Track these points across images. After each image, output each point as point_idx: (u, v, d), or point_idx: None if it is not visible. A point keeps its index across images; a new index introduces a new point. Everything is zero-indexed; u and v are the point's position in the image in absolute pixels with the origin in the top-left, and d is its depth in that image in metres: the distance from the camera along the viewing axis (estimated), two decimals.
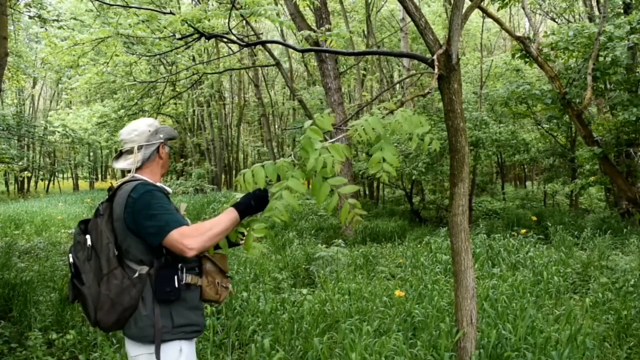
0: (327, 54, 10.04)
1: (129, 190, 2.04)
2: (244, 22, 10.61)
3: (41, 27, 11.19)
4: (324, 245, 7.97)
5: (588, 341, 3.55)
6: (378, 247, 8.62)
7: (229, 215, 2.02)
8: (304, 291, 5.15)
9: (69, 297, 2.08)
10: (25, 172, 28.11)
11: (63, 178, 40.07)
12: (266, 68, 21.73)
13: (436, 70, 2.84)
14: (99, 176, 43.66)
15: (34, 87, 30.84)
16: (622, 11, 10.65)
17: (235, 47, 12.98)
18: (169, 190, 2.24)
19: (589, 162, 11.10)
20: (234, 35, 4.49)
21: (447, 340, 3.41)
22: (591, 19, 12.70)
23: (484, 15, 10.54)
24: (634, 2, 10.36)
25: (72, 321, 4.46)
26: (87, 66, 11.68)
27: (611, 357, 3.85)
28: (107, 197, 2.15)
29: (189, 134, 24.95)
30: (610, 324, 4.28)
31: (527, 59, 9.49)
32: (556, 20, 16.89)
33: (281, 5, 13.53)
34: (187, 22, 5.49)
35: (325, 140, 2.00)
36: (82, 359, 3.74)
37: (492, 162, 18.37)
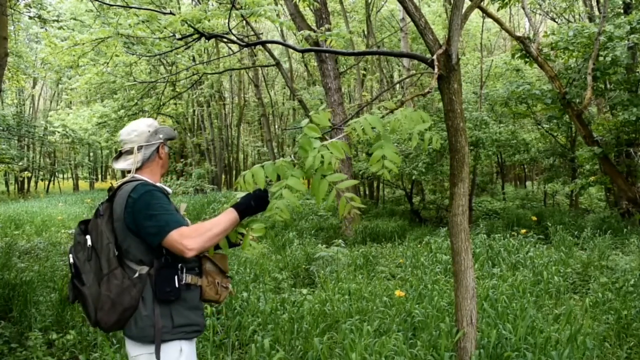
0: (327, 54, 10.05)
1: (129, 191, 2.04)
2: (244, 22, 10.62)
3: (41, 28, 11.20)
4: (324, 245, 7.97)
5: (588, 341, 3.55)
6: (378, 247, 8.62)
7: (228, 216, 2.02)
8: (304, 291, 5.15)
9: (69, 298, 2.09)
10: (26, 173, 28.12)
11: (63, 178, 40.08)
12: (266, 68, 21.73)
13: (436, 70, 2.84)
14: (99, 176, 43.67)
15: (34, 87, 30.84)
16: (622, 11, 10.65)
17: (235, 47, 12.99)
18: (169, 190, 2.24)
19: (589, 162, 11.10)
20: (234, 35, 4.49)
21: (447, 340, 3.41)
22: (591, 19, 12.70)
23: (484, 15, 10.54)
24: (634, 2, 10.36)
25: (72, 321, 4.46)
26: (87, 66, 11.68)
27: (611, 357, 3.85)
28: (107, 197, 2.15)
29: (189, 134, 24.95)
30: (610, 324, 4.28)
31: (527, 59, 9.49)
32: (556, 20, 16.89)
33: (281, 5, 13.53)
34: (187, 23, 5.49)
35: (325, 140, 2.00)
36: (82, 359, 3.74)
37: (492, 162, 18.37)
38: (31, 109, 32.92)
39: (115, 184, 2.16)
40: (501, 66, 15.13)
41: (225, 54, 19.47)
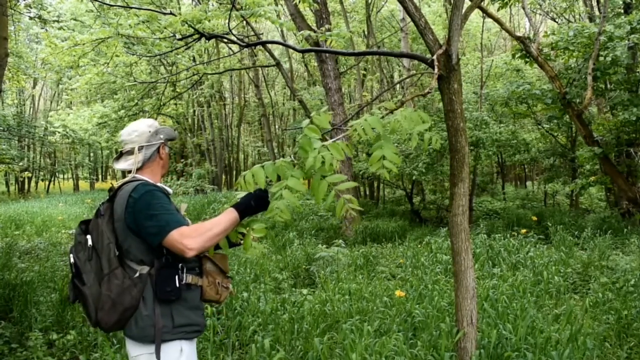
0: (327, 55, 10.05)
1: (129, 191, 2.05)
2: (244, 22, 10.62)
3: (41, 28, 11.20)
4: (324, 246, 7.97)
5: (588, 341, 3.55)
6: (378, 247, 8.62)
7: (228, 216, 2.02)
8: (305, 291, 5.15)
9: (69, 298, 2.09)
10: (26, 173, 28.14)
11: (63, 178, 40.10)
12: (266, 68, 21.74)
13: (436, 70, 2.85)
14: (100, 177, 43.69)
15: (34, 87, 30.87)
16: (622, 11, 10.65)
17: (235, 48, 12.99)
18: (170, 190, 2.25)
19: (589, 162, 11.09)
20: (234, 35, 4.49)
21: (447, 340, 3.41)
22: (591, 19, 12.70)
23: (484, 15, 10.55)
24: (634, 2, 10.36)
25: (73, 321, 4.46)
26: (88, 67, 11.69)
27: (611, 357, 3.85)
28: (107, 197, 2.15)
29: (189, 135, 24.96)
30: (610, 324, 4.28)
31: (527, 59, 9.49)
32: (556, 20, 16.89)
33: (281, 5, 13.54)
34: (187, 23, 5.50)
35: (325, 140, 2.00)
36: (83, 359, 3.74)
37: (492, 162, 18.37)
38: (31, 109, 32.95)
39: (116, 184, 2.16)
40: (501, 66, 15.13)
41: (226, 54, 19.47)
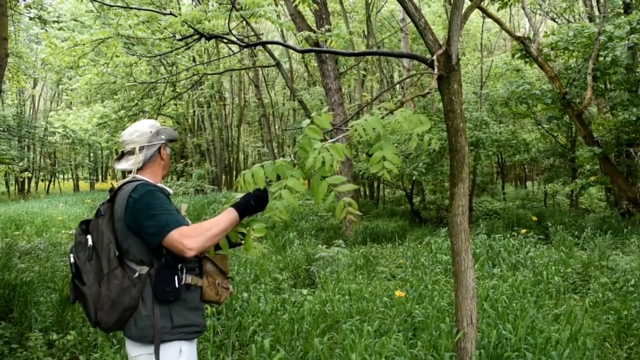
0: (327, 55, 10.05)
1: (129, 191, 2.05)
2: (244, 22, 10.62)
3: (41, 28, 11.20)
4: (324, 246, 7.97)
5: (588, 341, 3.55)
6: (378, 247, 8.62)
7: (228, 216, 2.02)
8: (305, 292, 5.15)
9: (70, 298, 2.09)
10: (26, 173, 28.14)
11: (63, 179, 40.10)
12: (266, 69, 21.74)
13: (436, 70, 2.85)
14: (100, 177, 43.68)
15: (34, 87, 30.88)
16: (622, 11, 10.65)
17: (235, 48, 12.99)
18: (170, 191, 2.25)
19: (589, 162, 11.09)
20: (234, 36, 4.49)
21: (447, 340, 3.41)
22: (591, 19, 12.70)
23: (484, 15, 10.55)
24: (634, 2, 10.36)
25: (73, 322, 4.46)
26: (88, 67, 11.70)
27: (611, 357, 3.85)
28: (108, 197, 2.15)
29: (189, 135, 24.97)
30: (610, 324, 4.28)
31: (527, 59, 9.49)
32: (556, 20, 16.90)
33: (281, 6, 13.54)
34: (187, 23, 5.50)
35: (325, 140, 2.00)
36: (83, 359, 3.74)
37: (492, 162, 18.37)
38: (31, 109, 32.95)
39: (116, 184, 2.16)
40: (501, 66, 15.13)
41: (226, 55, 19.47)
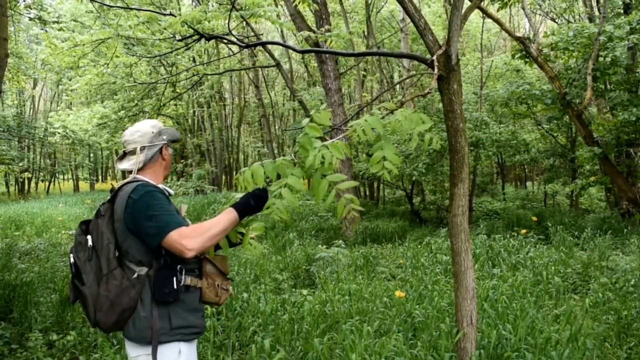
0: (327, 55, 10.05)
1: (129, 192, 2.04)
2: (244, 23, 10.63)
3: (41, 29, 11.20)
4: (324, 246, 7.97)
5: (588, 341, 3.55)
6: (378, 247, 8.61)
7: (228, 216, 2.02)
8: (305, 292, 5.15)
9: (70, 298, 2.09)
10: (26, 173, 28.13)
11: (63, 179, 40.09)
12: (266, 69, 21.74)
13: (436, 70, 2.85)
14: (100, 177, 43.67)
15: (34, 88, 30.87)
16: (622, 11, 10.66)
17: (235, 48, 12.99)
18: (171, 191, 2.24)
19: (589, 162, 11.10)
20: (234, 36, 4.50)
21: (447, 340, 3.41)
22: (591, 19, 12.71)
23: (484, 15, 10.55)
24: (633, 2, 10.37)
25: (73, 322, 4.46)
26: (88, 67, 11.70)
27: (611, 357, 3.85)
28: (108, 197, 2.15)
29: (189, 135, 24.96)
30: (610, 324, 4.28)
31: (527, 60, 9.49)
32: (556, 20, 16.90)
33: (281, 6, 13.54)
34: (187, 24, 5.49)
35: (325, 140, 2.00)
36: None
37: (492, 162, 18.37)
38: (31, 110, 32.95)
39: (117, 184, 2.16)
40: (501, 67, 15.14)
41: (226, 55, 19.47)
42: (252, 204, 2.04)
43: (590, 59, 8.80)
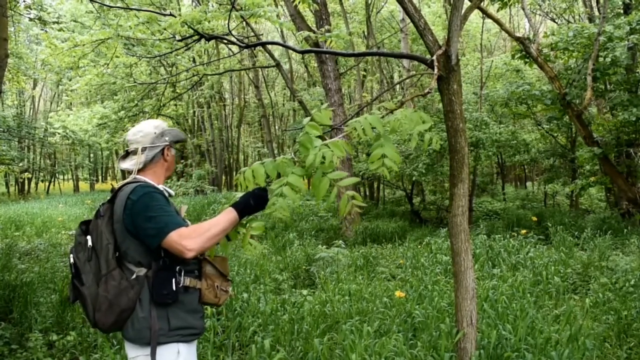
0: (327, 55, 10.05)
1: (128, 192, 2.04)
2: (244, 23, 10.63)
3: (41, 29, 11.20)
4: (324, 246, 7.97)
5: (588, 341, 3.55)
6: (378, 247, 8.61)
7: (227, 215, 2.02)
8: (305, 292, 5.15)
9: (69, 298, 2.09)
10: (26, 174, 28.12)
11: (63, 179, 40.09)
12: (266, 69, 21.74)
13: (436, 71, 2.85)
14: (100, 177, 43.66)
15: (34, 88, 30.87)
16: (621, 11, 10.66)
17: (235, 49, 13.00)
18: (172, 192, 2.23)
19: (589, 162, 11.10)
20: (234, 36, 4.49)
21: (447, 340, 3.41)
22: (591, 20, 12.71)
23: (484, 16, 10.55)
24: (633, 2, 10.37)
25: (73, 322, 4.46)
26: (87, 67, 11.69)
27: (611, 357, 3.85)
28: (108, 198, 2.15)
29: (189, 135, 24.95)
30: (610, 324, 4.28)
31: (527, 60, 9.49)
32: (556, 20, 16.90)
33: (281, 6, 13.55)
34: (187, 24, 5.49)
35: (325, 139, 2.00)
36: None
37: (492, 162, 18.37)
38: (31, 110, 32.95)
39: (117, 184, 2.16)
40: (501, 67, 15.14)
41: (226, 55, 19.47)
42: (251, 204, 2.04)
43: (590, 59, 8.80)
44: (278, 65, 12.27)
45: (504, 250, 7.03)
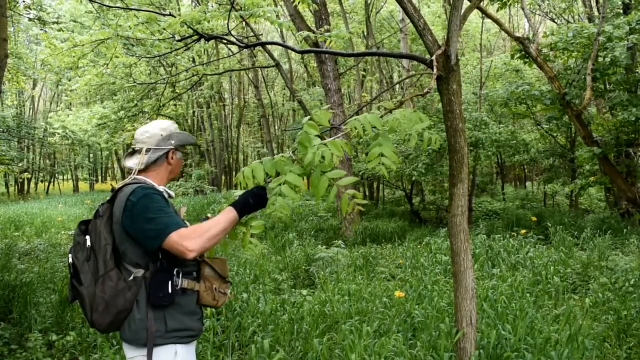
0: (327, 56, 10.05)
1: (128, 194, 2.03)
2: (244, 23, 10.62)
3: (41, 29, 11.21)
4: (324, 247, 7.97)
5: (588, 342, 3.55)
6: (378, 248, 8.61)
7: (227, 215, 2.01)
8: (304, 292, 5.15)
9: (69, 298, 2.09)
10: (26, 174, 28.12)
11: (63, 180, 40.09)
12: (266, 69, 21.75)
13: (435, 71, 2.85)
14: (99, 178, 43.66)
15: (34, 88, 30.87)
16: (621, 12, 10.67)
17: (235, 49, 13.00)
18: (172, 194, 2.22)
19: (589, 162, 11.10)
20: (233, 36, 4.50)
21: (447, 341, 3.41)
22: (591, 20, 12.72)
23: (484, 16, 10.56)
24: (633, 2, 10.38)
25: (73, 323, 4.46)
26: (87, 68, 11.69)
27: (611, 357, 3.85)
28: (108, 198, 2.14)
29: None
30: (610, 324, 4.28)
31: (526, 60, 9.50)
32: (556, 20, 16.91)
33: (281, 6, 13.55)
34: (186, 24, 5.49)
35: (324, 139, 2.00)
36: None
37: (492, 162, 18.37)
38: (31, 110, 32.94)
39: (117, 185, 2.15)
40: (501, 67, 15.15)
41: (225, 55, 19.47)
42: (251, 203, 2.04)
43: (590, 59, 8.80)
44: (278, 65, 12.27)
45: (503, 250, 7.03)
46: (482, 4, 8.50)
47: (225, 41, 5.14)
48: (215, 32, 9.03)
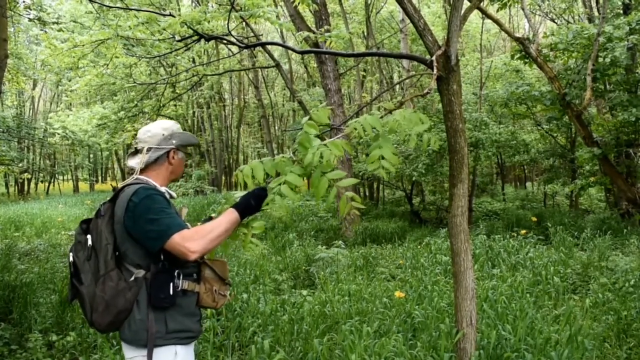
0: (326, 56, 10.05)
1: (130, 194, 2.03)
2: (244, 23, 10.63)
3: (41, 30, 11.21)
4: (324, 247, 7.97)
5: (587, 342, 3.55)
6: (378, 248, 8.62)
7: (229, 217, 2.02)
8: (304, 292, 5.15)
9: (68, 297, 2.08)
10: (25, 174, 28.12)
11: (63, 180, 40.08)
12: (266, 69, 21.76)
13: (435, 71, 2.85)
14: (99, 178, 43.65)
15: (34, 89, 30.87)
16: (621, 12, 10.67)
17: (235, 49, 13.00)
18: (174, 194, 2.22)
19: (589, 162, 11.10)
20: (233, 37, 4.49)
21: (446, 341, 3.41)
22: (590, 20, 12.72)
23: (484, 16, 10.56)
24: (633, 2, 10.38)
25: (72, 323, 4.46)
26: (87, 68, 11.69)
27: (611, 357, 3.85)
28: (110, 197, 2.14)
29: None
30: (610, 325, 4.28)
31: (526, 60, 9.50)
32: (555, 21, 16.91)
33: (281, 6, 13.55)
34: (186, 24, 5.49)
35: (324, 140, 2.00)
36: None
37: (492, 162, 18.37)
38: (31, 110, 32.94)
39: (119, 184, 2.15)
40: (501, 67, 15.15)
41: (225, 56, 19.48)
42: (252, 204, 2.04)
43: (590, 59, 8.80)
44: (278, 65, 12.27)
45: (503, 250, 7.03)
46: (482, 4, 8.50)
47: (225, 41, 5.14)
48: (215, 32, 9.03)
